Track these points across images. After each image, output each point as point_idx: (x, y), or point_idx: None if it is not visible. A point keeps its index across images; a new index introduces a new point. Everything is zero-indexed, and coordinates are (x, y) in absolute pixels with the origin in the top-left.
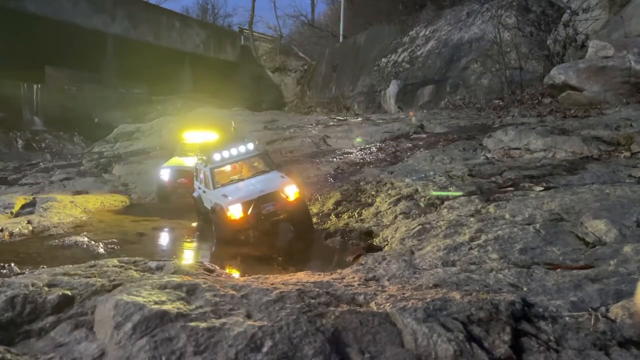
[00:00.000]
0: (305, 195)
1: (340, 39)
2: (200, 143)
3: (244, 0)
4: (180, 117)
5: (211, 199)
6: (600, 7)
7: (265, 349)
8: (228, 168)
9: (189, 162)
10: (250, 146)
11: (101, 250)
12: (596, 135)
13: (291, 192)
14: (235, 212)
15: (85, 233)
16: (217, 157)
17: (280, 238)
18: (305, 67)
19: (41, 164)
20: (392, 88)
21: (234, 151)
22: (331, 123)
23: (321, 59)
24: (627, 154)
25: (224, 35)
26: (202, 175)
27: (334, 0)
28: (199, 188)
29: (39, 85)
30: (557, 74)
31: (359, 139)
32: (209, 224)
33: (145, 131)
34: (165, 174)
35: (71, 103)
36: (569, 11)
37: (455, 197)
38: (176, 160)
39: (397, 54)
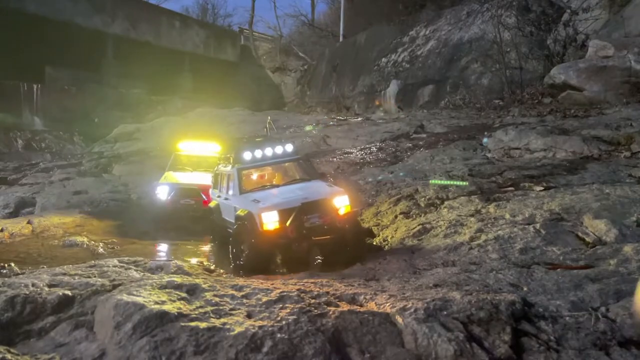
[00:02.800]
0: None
1: (340, 39)
2: (199, 155)
3: (244, 0)
4: (181, 117)
5: (236, 207)
6: (600, 7)
7: (265, 349)
8: (255, 174)
9: (185, 178)
10: (289, 147)
11: (101, 250)
12: (596, 135)
13: (342, 203)
14: (269, 221)
15: (85, 233)
16: (247, 156)
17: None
18: (305, 67)
19: (41, 164)
20: (392, 88)
21: (268, 151)
22: (331, 123)
23: (321, 59)
24: (627, 153)
25: (224, 35)
26: (224, 179)
27: (334, 0)
28: (219, 196)
29: (39, 85)
30: (557, 74)
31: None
32: (226, 247)
33: (145, 131)
34: (162, 192)
35: (71, 103)
36: (569, 11)
37: (456, 197)
38: (170, 177)
39: (397, 53)
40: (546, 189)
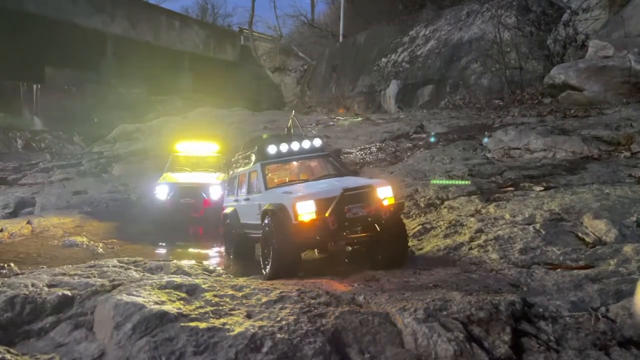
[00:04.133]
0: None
1: (340, 39)
2: (197, 156)
3: (243, 0)
4: (180, 117)
5: (261, 203)
6: (600, 7)
7: (265, 349)
8: (280, 170)
9: (184, 178)
10: (317, 142)
11: (101, 250)
12: (596, 135)
13: (386, 194)
14: (305, 212)
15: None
16: (271, 150)
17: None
18: (305, 67)
19: (41, 164)
20: (392, 88)
21: (295, 146)
22: (331, 123)
23: (321, 59)
24: (627, 153)
25: (224, 35)
26: (244, 179)
27: (334, 0)
28: (236, 200)
29: (39, 85)
30: (557, 74)
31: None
32: (245, 253)
33: (145, 131)
34: (161, 192)
35: (71, 103)
36: (569, 11)
37: (456, 197)
38: (169, 177)
39: (397, 53)
40: (546, 189)
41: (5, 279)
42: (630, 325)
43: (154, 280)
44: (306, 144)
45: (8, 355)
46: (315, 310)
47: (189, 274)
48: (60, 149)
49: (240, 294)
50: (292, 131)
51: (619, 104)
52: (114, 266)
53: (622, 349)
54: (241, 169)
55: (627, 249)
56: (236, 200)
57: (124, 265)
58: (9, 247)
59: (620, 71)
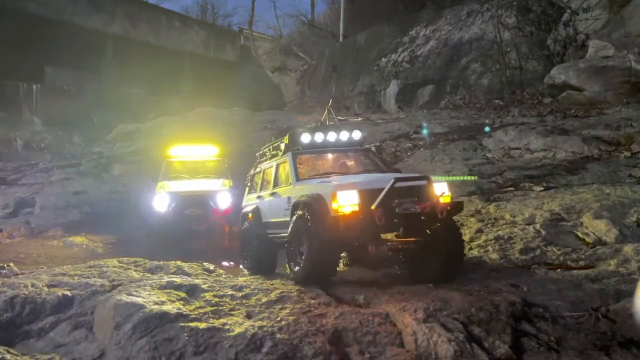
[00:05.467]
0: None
1: (340, 39)
2: (195, 161)
3: (243, 0)
4: (180, 117)
5: (291, 196)
6: (601, 6)
7: (265, 349)
8: (313, 162)
9: (185, 186)
10: (356, 135)
11: (101, 250)
12: (596, 135)
13: (442, 190)
14: (347, 203)
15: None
16: (305, 138)
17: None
18: (305, 67)
19: (40, 164)
20: (392, 88)
21: (331, 137)
22: (331, 123)
23: (321, 59)
24: (628, 153)
25: (224, 35)
26: (269, 174)
27: (334, 0)
28: (259, 197)
29: (39, 85)
30: (558, 74)
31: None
32: (262, 269)
33: (145, 131)
34: (161, 203)
35: (71, 103)
36: (569, 11)
37: (456, 197)
38: (165, 186)
39: (397, 53)
40: (546, 189)
41: (5, 279)
42: (631, 326)
43: (154, 281)
44: (344, 136)
45: (8, 356)
46: (315, 311)
47: (188, 274)
48: (60, 149)
49: (240, 294)
50: (328, 122)
51: (619, 104)
52: (114, 266)
53: (623, 349)
54: (265, 164)
55: (627, 249)
56: (259, 197)
57: (124, 265)
58: (9, 247)
59: (620, 71)
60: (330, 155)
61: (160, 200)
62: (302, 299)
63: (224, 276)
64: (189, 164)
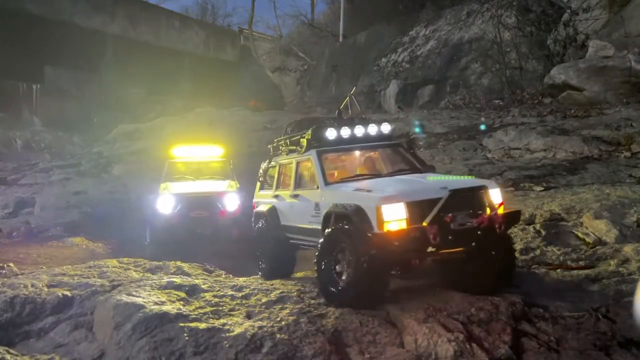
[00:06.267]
0: None
1: (340, 39)
2: (199, 162)
3: (243, 0)
4: (180, 117)
5: (320, 202)
6: (601, 7)
7: (265, 350)
8: (339, 161)
9: (190, 187)
10: (386, 128)
11: (100, 250)
12: (596, 135)
13: (498, 198)
14: (394, 218)
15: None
16: (330, 134)
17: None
18: (305, 67)
19: (40, 164)
20: (392, 88)
21: (358, 131)
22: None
23: (321, 59)
24: (628, 154)
25: (224, 35)
26: (288, 171)
27: (334, 0)
28: (276, 196)
29: (38, 85)
30: (558, 74)
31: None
32: (279, 271)
33: (145, 131)
34: (166, 205)
35: (70, 103)
36: (569, 11)
37: None
38: (169, 187)
39: (397, 53)
40: (546, 189)
41: (5, 279)
42: (631, 326)
43: (154, 281)
44: (372, 129)
45: (8, 356)
46: (316, 311)
47: (188, 274)
48: (59, 149)
49: (240, 294)
50: (350, 112)
51: (619, 104)
52: (114, 266)
53: (623, 349)
54: (284, 157)
55: (628, 249)
56: (276, 197)
57: (124, 265)
58: (9, 247)
59: (620, 71)
60: (358, 153)
61: (165, 202)
62: (302, 299)
63: (223, 276)
64: (193, 165)
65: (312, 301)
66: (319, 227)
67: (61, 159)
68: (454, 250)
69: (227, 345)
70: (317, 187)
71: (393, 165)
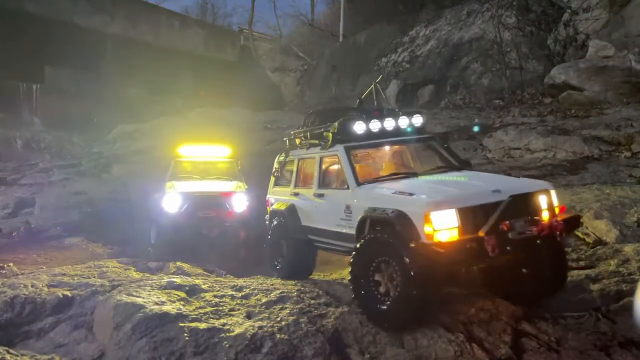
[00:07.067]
0: None
1: (340, 39)
2: (205, 161)
3: (243, 0)
4: (180, 117)
5: (352, 204)
6: (601, 6)
7: (265, 350)
8: (367, 157)
9: (197, 187)
10: (418, 120)
11: (100, 250)
12: (597, 135)
13: (555, 201)
14: (445, 227)
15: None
16: (359, 128)
17: None
18: (305, 67)
19: (40, 164)
20: (392, 88)
21: (389, 124)
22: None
23: (321, 59)
24: (628, 153)
25: (224, 35)
26: (311, 167)
27: (334, 0)
28: (295, 193)
29: (39, 85)
30: (558, 74)
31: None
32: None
33: (145, 131)
34: (172, 203)
35: (70, 103)
36: (569, 11)
37: None
38: (175, 186)
39: (397, 53)
40: None
41: (5, 279)
42: (631, 326)
43: (154, 281)
44: (403, 122)
45: (8, 356)
46: (316, 311)
47: (188, 274)
48: (60, 149)
49: (240, 294)
50: (375, 102)
51: (619, 104)
52: (114, 267)
53: (623, 349)
54: (304, 151)
55: (628, 249)
56: (295, 195)
57: (124, 265)
58: (9, 247)
59: (620, 71)
60: (389, 148)
61: (171, 201)
62: (302, 299)
63: (224, 276)
64: (200, 165)
65: (312, 301)
66: (350, 231)
67: (61, 159)
68: (501, 257)
69: (227, 345)
70: (348, 187)
71: (427, 162)
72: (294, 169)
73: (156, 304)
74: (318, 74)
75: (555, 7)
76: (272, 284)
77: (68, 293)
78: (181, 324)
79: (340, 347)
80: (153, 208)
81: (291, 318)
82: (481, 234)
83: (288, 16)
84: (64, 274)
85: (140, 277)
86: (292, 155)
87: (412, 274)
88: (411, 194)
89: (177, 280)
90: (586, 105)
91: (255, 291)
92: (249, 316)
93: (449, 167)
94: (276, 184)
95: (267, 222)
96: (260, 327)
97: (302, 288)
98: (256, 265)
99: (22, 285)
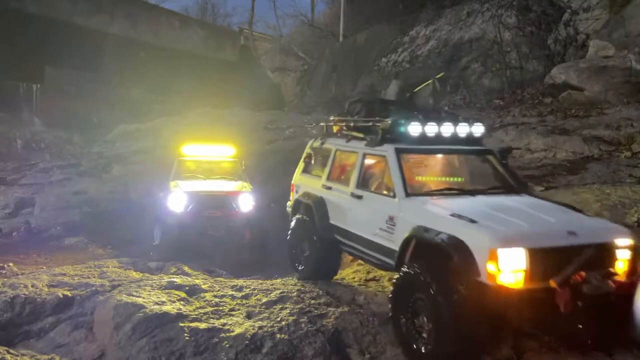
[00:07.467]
0: None
1: (340, 39)
2: (210, 161)
3: (243, 0)
4: (180, 117)
5: (397, 217)
6: (601, 6)
7: (265, 350)
8: (419, 164)
9: (203, 186)
10: (478, 130)
11: (100, 250)
12: (597, 135)
13: (635, 255)
14: (511, 267)
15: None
16: (414, 129)
17: None
18: (305, 67)
19: (40, 164)
20: (392, 88)
21: (446, 129)
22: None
23: (321, 59)
24: (628, 153)
25: (224, 35)
26: (349, 160)
27: (334, 0)
28: (327, 187)
29: (38, 85)
30: (558, 74)
31: None
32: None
33: (145, 131)
34: (177, 202)
35: (70, 103)
36: (569, 11)
37: None
38: (180, 185)
39: (397, 53)
40: (547, 189)
41: (5, 279)
42: (631, 326)
43: (154, 281)
44: (462, 129)
45: (8, 356)
46: (316, 311)
47: (188, 274)
48: (60, 149)
49: (240, 294)
50: (431, 99)
51: (619, 104)
52: (114, 267)
53: (623, 349)
54: (342, 140)
55: None
56: (327, 188)
57: (124, 265)
58: (9, 247)
59: (620, 71)
60: (441, 156)
61: (177, 200)
62: (302, 299)
63: (224, 276)
64: (204, 164)
65: (312, 301)
66: (389, 244)
67: (61, 159)
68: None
69: (227, 345)
70: (394, 196)
71: (481, 179)
72: (330, 160)
73: (156, 304)
74: (318, 74)
75: (556, 7)
76: (272, 284)
77: (68, 293)
78: (181, 324)
79: (341, 347)
80: (157, 207)
81: (291, 318)
82: (553, 284)
83: (288, 16)
84: (64, 274)
85: (140, 277)
86: (328, 143)
87: (460, 318)
88: (473, 221)
89: (177, 280)
90: (586, 105)
91: (256, 291)
92: (249, 316)
93: (506, 189)
94: (305, 171)
95: (288, 210)
96: (260, 327)
97: (302, 288)
98: (260, 271)
99: (22, 285)
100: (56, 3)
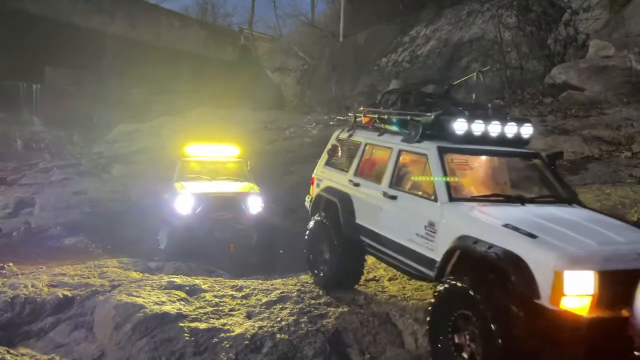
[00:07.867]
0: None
1: (340, 39)
2: (215, 161)
3: (243, 0)
4: (180, 117)
5: (438, 223)
6: (601, 6)
7: (265, 350)
8: (463, 166)
9: (209, 187)
10: (527, 130)
11: (100, 250)
12: (597, 135)
13: None
14: (577, 291)
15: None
16: (459, 127)
17: None
18: (305, 67)
19: (40, 164)
20: (393, 88)
21: (494, 128)
22: (331, 123)
23: (321, 59)
24: (628, 153)
25: (224, 35)
26: (384, 155)
27: (334, 0)
28: (355, 183)
29: (38, 85)
30: (558, 74)
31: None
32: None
33: (145, 131)
34: (185, 204)
35: (70, 103)
36: (569, 11)
37: None
38: (186, 187)
39: (398, 53)
40: None
41: (5, 279)
42: (631, 326)
43: (154, 281)
44: (510, 129)
45: (8, 356)
46: (316, 311)
47: (188, 275)
48: (60, 149)
49: (240, 294)
50: (473, 97)
51: (619, 104)
52: (114, 267)
53: None
54: (374, 134)
55: None
56: (355, 185)
57: (124, 265)
58: (9, 247)
59: (621, 71)
60: (486, 158)
61: (185, 202)
62: (302, 299)
63: (224, 276)
64: (208, 164)
65: (312, 301)
66: (427, 253)
67: (61, 159)
68: None
69: (227, 345)
70: (435, 199)
71: (528, 185)
72: (358, 153)
73: (156, 304)
74: (318, 74)
75: (556, 6)
76: (272, 284)
77: (68, 293)
78: (181, 324)
79: (341, 347)
80: (162, 210)
81: (291, 318)
82: (626, 314)
83: (288, 16)
84: (64, 274)
85: (140, 277)
86: (357, 135)
87: (512, 341)
88: (533, 235)
89: (177, 280)
90: (586, 105)
91: (256, 291)
92: (249, 316)
93: (556, 198)
94: (328, 164)
95: (307, 206)
96: (260, 327)
97: (302, 288)
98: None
99: (22, 285)
100: (56, 3)
